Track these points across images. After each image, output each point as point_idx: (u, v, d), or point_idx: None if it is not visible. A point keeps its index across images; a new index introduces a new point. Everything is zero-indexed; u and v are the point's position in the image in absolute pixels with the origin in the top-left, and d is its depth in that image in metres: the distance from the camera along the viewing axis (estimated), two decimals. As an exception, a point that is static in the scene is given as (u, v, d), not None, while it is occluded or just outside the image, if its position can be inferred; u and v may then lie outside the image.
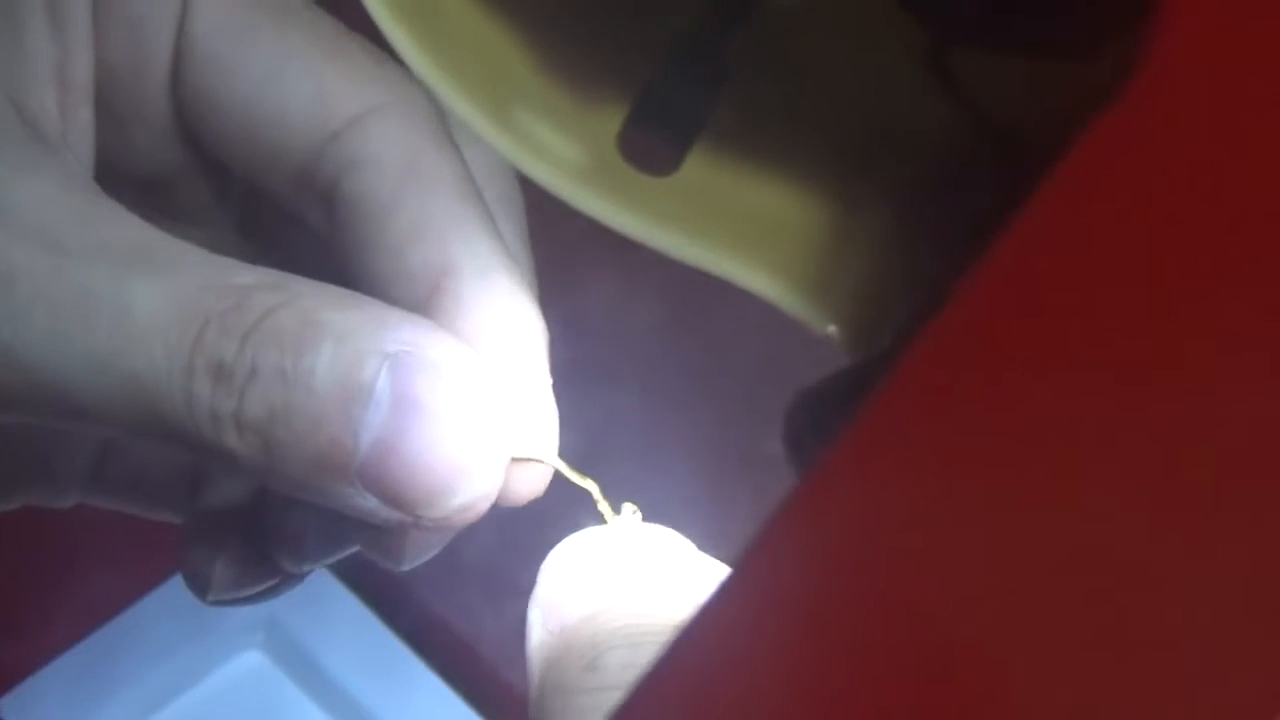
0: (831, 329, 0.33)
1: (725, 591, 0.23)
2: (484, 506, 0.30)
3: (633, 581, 0.30)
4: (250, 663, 0.92)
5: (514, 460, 0.30)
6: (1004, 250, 0.22)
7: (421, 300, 0.31)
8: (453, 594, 0.87)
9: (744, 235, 0.33)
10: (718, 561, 0.31)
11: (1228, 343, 0.20)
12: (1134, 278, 0.21)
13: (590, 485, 0.32)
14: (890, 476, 0.22)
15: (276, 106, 0.32)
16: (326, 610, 0.90)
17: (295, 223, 0.33)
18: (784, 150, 0.33)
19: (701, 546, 0.32)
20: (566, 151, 0.33)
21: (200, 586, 0.36)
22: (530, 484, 0.31)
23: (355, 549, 0.35)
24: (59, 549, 0.84)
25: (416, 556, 0.33)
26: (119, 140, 0.33)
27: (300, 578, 0.37)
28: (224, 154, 0.33)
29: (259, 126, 0.32)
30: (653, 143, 0.31)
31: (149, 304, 0.28)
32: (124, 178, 0.33)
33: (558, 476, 0.32)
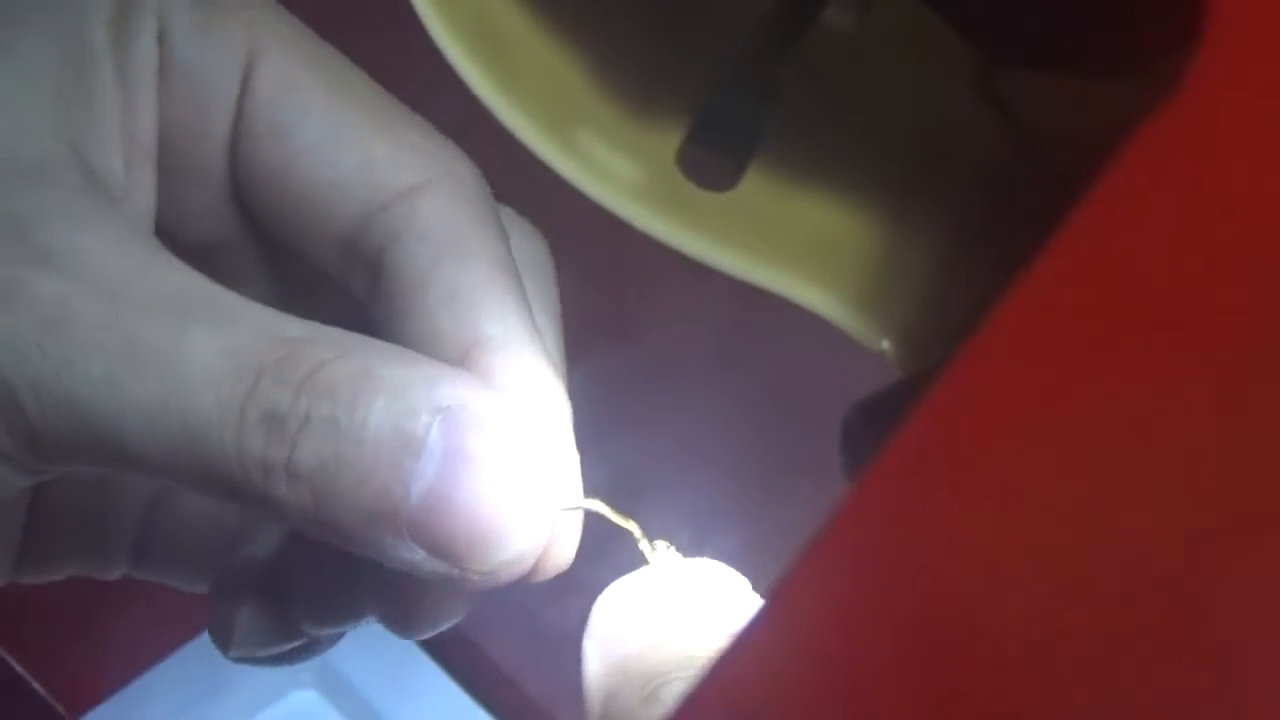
0: (885, 344, 0.34)
1: (766, 612, 0.24)
2: (529, 562, 0.30)
3: (690, 615, 0.30)
4: (303, 701, 0.92)
5: (561, 508, 0.31)
6: (1046, 262, 0.22)
7: None
8: (507, 635, 0.86)
9: (799, 252, 0.34)
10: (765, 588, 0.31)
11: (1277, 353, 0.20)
12: (1177, 288, 0.21)
13: (631, 526, 0.32)
14: (928, 496, 0.22)
15: (329, 177, 0.32)
16: (379, 649, 0.90)
17: (341, 294, 0.34)
18: (838, 168, 0.34)
19: (751, 564, 0.32)
20: (626, 171, 0.34)
21: (222, 640, 0.36)
22: (560, 554, 0.31)
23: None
24: (110, 589, 0.85)
25: (433, 626, 0.33)
26: (174, 203, 0.34)
27: (325, 644, 0.37)
28: (275, 220, 0.34)
29: (311, 195, 0.33)
30: (712, 159, 0.32)
31: (203, 354, 0.28)
32: (176, 243, 0.33)
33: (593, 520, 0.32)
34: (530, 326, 0.32)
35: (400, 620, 0.34)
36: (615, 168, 0.34)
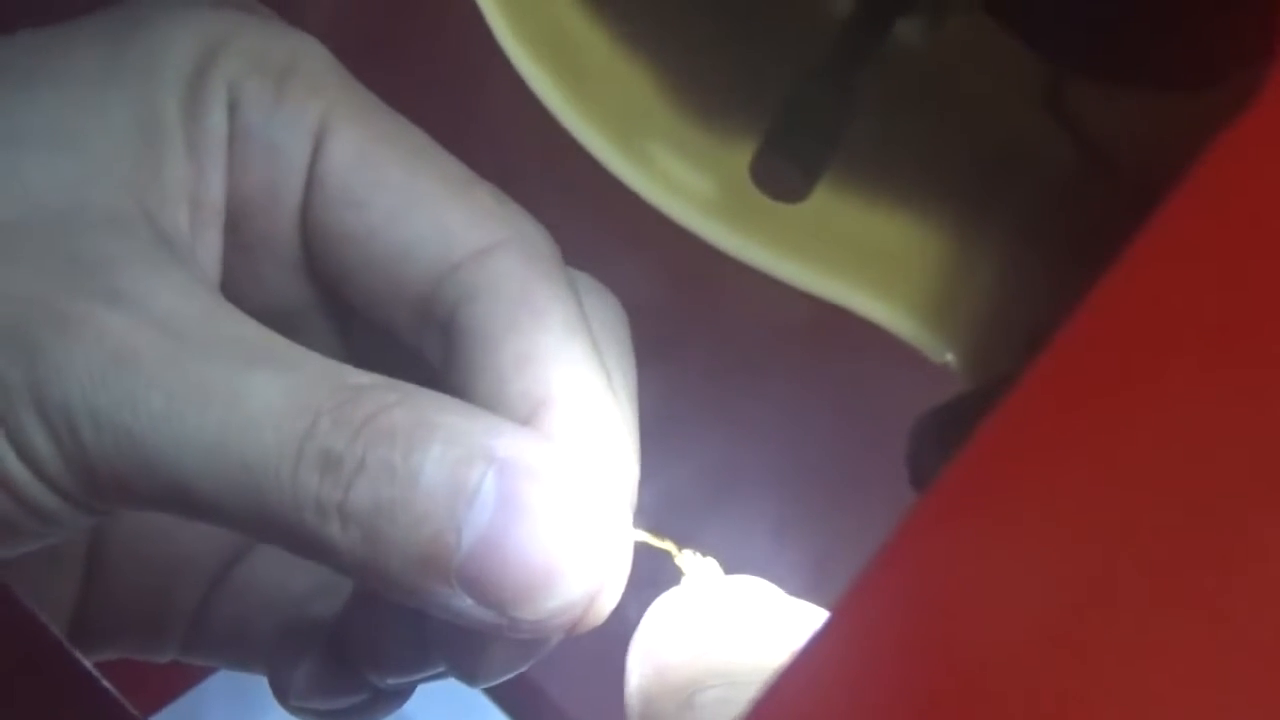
0: (949, 356, 0.34)
1: (823, 636, 0.23)
2: (578, 611, 0.30)
3: (729, 628, 0.30)
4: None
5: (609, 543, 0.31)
6: (1117, 276, 0.21)
7: None
8: (573, 680, 0.86)
9: (866, 266, 0.34)
10: (807, 605, 0.31)
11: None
12: (1255, 303, 0.20)
13: (669, 545, 0.32)
14: (990, 521, 0.22)
15: (402, 239, 0.33)
16: (447, 695, 0.89)
17: (408, 365, 0.33)
18: (907, 181, 0.34)
19: (818, 572, 0.32)
20: (696, 184, 0.35)
21: (281, 691, 0.36)
22: (599, 608, 0.31)
23: (440, 670, 0.35)
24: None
25: (494, 675, 0.33)
26: (246, 271, 0.34)
27: (391, 702, 0.37)
28: (346, 286, 0.34)
29: (384, 258, 0.33)
30: (784, 170, 0.32)
31: (264, 394, 0.29)
32: (247, 310, 0.32)
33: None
34: (603, 385, 0.32)
35: (467, 668, 0.34)
36: (685, 181, 0.34)
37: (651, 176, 0.35)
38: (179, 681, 0.73)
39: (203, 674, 0.77)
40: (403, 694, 0.37)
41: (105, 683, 0.34)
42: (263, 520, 0.29)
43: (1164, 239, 0.21)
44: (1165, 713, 0.20)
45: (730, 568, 0.33)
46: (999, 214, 0.34)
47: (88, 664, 0.33)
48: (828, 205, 0.34)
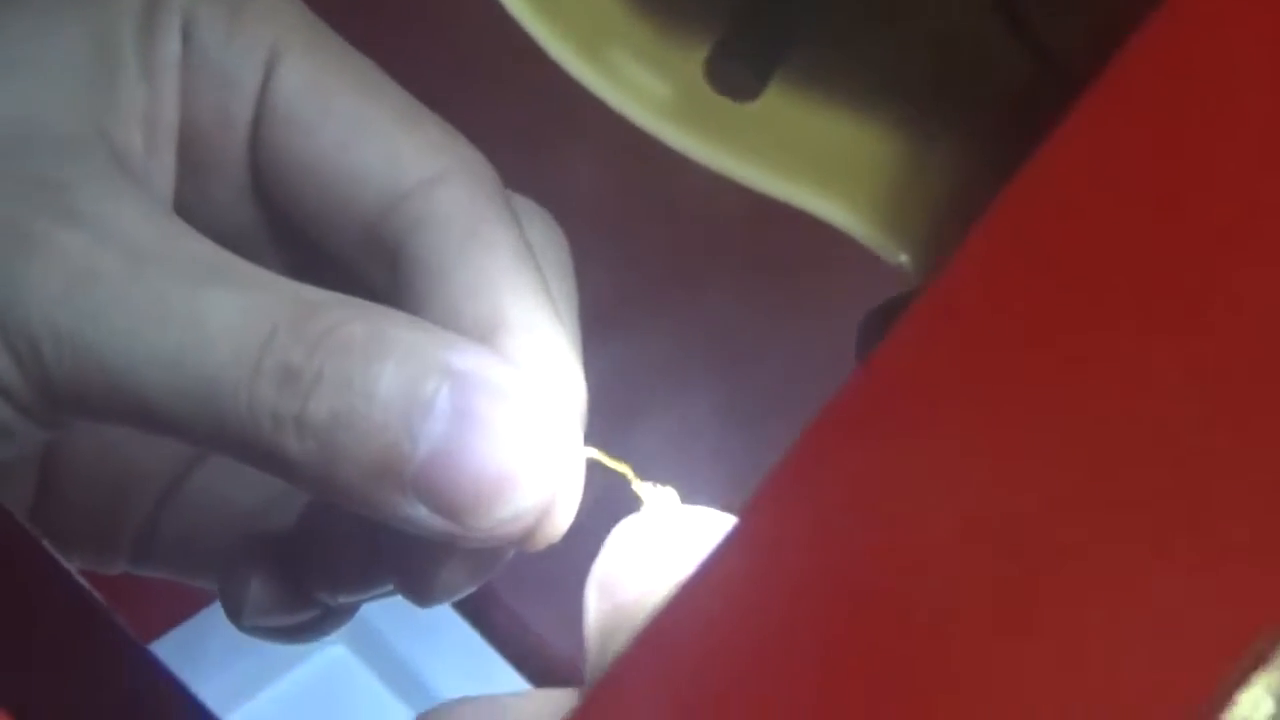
0: (903, 257, 0.35)
1: (724, 547, 0.24)
2: (529, 520, 0.31)
3: (686, 561, 0.30)
4: (334, 656, 0.92)
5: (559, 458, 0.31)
6: (1038, 165, 0.22)
7: None
8: (533, 591, 0.87)
9: (821, 168, 0.35)
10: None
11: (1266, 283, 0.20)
12: (1168, 209, 0.20)
13: (625, 469, 0.33)
14: (899, 422, 0.22)
15: (351, 167, 0.33)
16: (412, 607, 0.89)
17: (357, 294, 0.33)
18: (859, 84, 0.35)
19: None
20: (655, 88, 0.35)
21: (234, 609, 0.37)
22: (553, 524, 0.32)
23: (389, 590, 0.36)
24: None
25: (445, 595, 0.34)
26: (197, 194, 0.34)
27: (340, 618, 0.38)
28: (295, 212, 0.34)
29: (332, 185, 0.33)
30: (738, 69, 0.33)
31: (222, 311, 0.29)
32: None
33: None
34: (551, 312, 0.33)
35: (416, 588, 0.34)
36: (644, 85, 0.35)
37: (614, 82, 0.35)
38: (181, 608, 0.74)
39: (203, 601, 0.79)
40: (351, 611, 0.38)
41: (110, 610, 0.35)
42: (221, 433, 0.30)
43: (1084, 132, 0.22)
44: (1073, 616, 0.20)
45: (673, 471, 0.33)
46: (952, 117, 0.34)
47: (95, 593, 0.34)
48: (781, 106, 0.35)
